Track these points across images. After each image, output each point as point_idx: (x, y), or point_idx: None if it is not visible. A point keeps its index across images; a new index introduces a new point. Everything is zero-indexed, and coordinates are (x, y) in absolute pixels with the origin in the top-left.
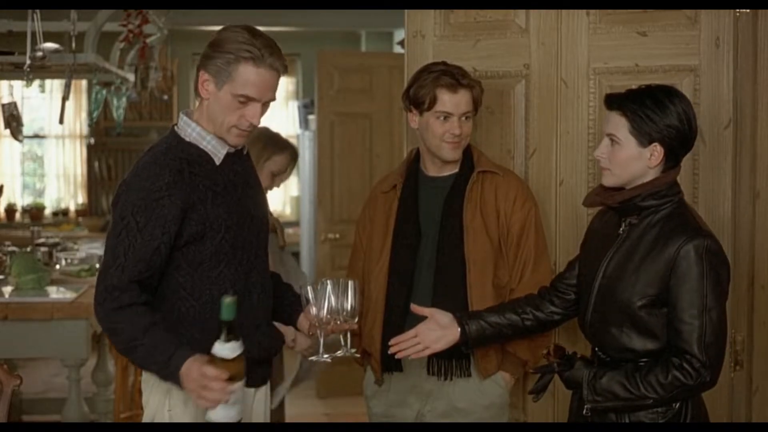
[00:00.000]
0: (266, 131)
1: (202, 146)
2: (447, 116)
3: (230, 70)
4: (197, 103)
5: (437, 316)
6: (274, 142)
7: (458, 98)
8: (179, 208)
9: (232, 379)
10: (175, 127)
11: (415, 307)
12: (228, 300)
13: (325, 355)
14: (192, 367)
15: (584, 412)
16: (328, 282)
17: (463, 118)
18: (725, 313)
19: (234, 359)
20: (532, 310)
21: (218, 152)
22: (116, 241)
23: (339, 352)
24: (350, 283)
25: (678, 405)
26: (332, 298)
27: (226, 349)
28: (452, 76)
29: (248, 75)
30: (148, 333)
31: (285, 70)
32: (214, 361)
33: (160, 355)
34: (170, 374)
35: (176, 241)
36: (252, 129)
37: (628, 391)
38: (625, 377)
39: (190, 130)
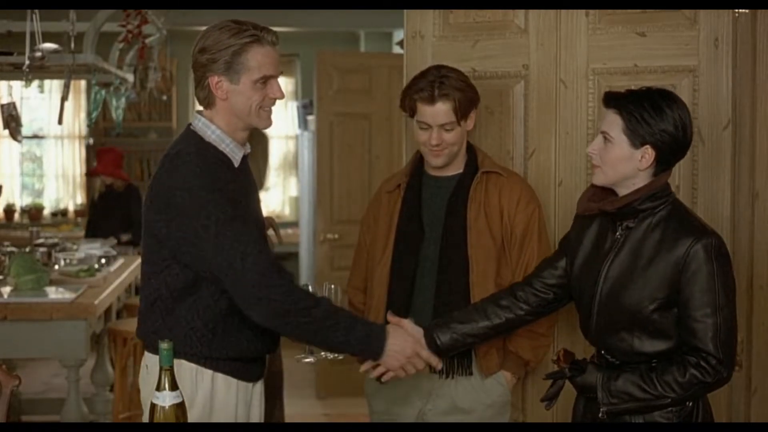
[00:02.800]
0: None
1: (221, 148)
2: (426, 127)
3: (241, 60)
4: (202, 109)
5: (409, 329)
6: (259, 135)
7: (435, 110)
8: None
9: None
10: (192, 128)
11: (391, 318)
12: (165, 346)
13: (309, 358)
14: (406, 347)
15: (600, 415)
16: (309, 286)
17: (443, 129)
18: (735, 309)
19: (175, 407)
20: (504, 314)
21: (236, 155)
22: (222, 239)
23: (322, 353)
24: (333, 287)
25: (691, 404)
26: None
27: (165, 397)
28: (430, 89)
29: (259, 57)
30: (338, 312)
31: (278, 42)
32: (156, 408)
33: (361, 330)
34: (373, 351)
35: None
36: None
37: (645, 392)
38: (641, 378)
39: (209, 132)
